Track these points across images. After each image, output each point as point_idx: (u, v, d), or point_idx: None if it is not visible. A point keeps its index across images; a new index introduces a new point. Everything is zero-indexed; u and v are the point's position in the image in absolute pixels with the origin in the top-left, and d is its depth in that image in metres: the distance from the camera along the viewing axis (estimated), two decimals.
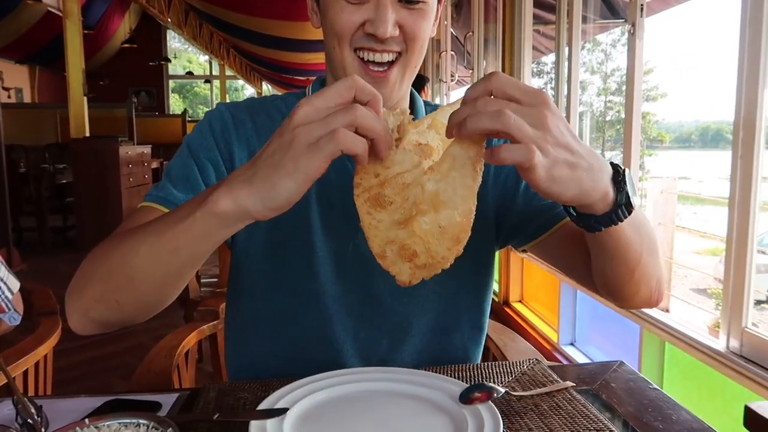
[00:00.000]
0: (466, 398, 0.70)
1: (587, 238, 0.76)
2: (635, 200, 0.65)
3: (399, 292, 0.90)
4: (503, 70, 3.79)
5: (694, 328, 2.05)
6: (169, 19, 9.71)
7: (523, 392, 0.76)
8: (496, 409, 0.67)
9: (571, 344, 3.14)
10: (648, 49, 2.41)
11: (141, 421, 0.60)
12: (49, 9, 6.36)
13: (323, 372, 0.81)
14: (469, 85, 0.60)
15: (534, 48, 4.01)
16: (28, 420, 0.62)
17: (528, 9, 3.56)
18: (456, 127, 0.58)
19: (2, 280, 1.16)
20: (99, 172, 6.09)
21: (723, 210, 1.92)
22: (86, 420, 0.60)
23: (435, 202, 0.59)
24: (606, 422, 0.69)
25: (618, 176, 0.64)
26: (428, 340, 0.94)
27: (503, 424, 0.65)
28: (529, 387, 0.79)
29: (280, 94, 0.99)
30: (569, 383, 0.79)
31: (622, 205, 0.65)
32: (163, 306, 0.75)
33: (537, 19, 3.70)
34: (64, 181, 6.62)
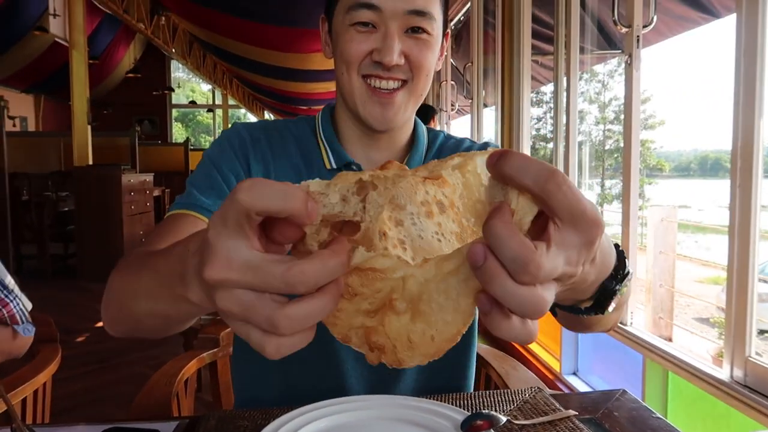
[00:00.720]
0: (467, 426, 0.69)
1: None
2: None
3: None
4: (502, 99, 3.84)
5: (697, 357, 2.04)
6: (174, 50, 9.87)
7: (525, 421, 0.76)
8: None
9: (574, 374, 3.11)
10: (646, 77, 2.45)
11: None
12: (56, 39, 6.47)
13: (327, 390, 0.82)
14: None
15: (533, 78, 4.06)
16: None
17: (526, 40, 3.62)
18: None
19: (16, 294, 1.17)
20: (101, 199, 6.11)
21: (724, 238, 1.92)
22: None
23: (415, 304, 0.41)
24: None
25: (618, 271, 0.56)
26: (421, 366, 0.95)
27: None
28: (531, 416, 0.78)
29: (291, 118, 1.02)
30: (572, 412, 0.79)
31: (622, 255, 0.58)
32: (175, 332, 0.72)
33: (535, 50, 3.75)
34: (66, 209, 6.64)
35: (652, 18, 2.29)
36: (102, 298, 0.77)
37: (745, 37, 1.74)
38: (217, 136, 0.98)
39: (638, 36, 2.35)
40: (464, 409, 0.78)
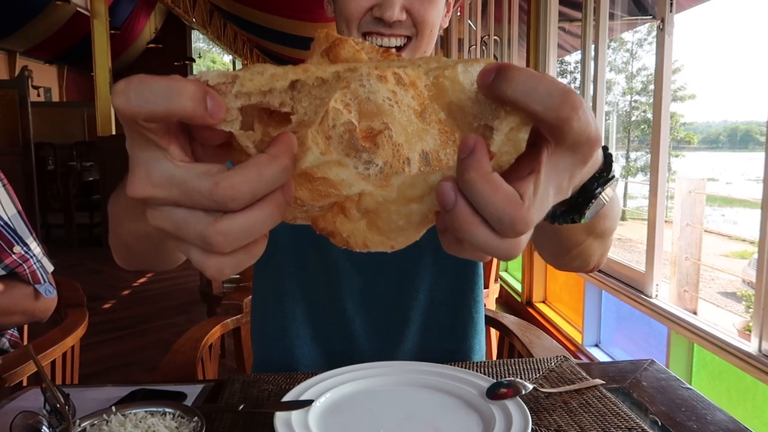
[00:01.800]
0: (492, 394, 0.69)
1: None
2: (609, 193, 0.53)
3: (401, 275, 0.94)
4: (527, 67, 3.76)
5: (723, 330, 2.00)
6: (194, 20, 9.82)
7: (552, 389, 0.74)
8: (525, 406, 0.66)
9: (596, 345, 3.10)
10: (677, 48, 2.36)
11: (167, 409, 0.60)
12: (78, 9, 6.47)
13: (337, 350, 0.82)
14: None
15: (559, 46, 3.96)
16: (56, 407, 0.62)
17: (553, 6, 3.51)
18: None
19: (37, 254, 1.18)
20: (125, 169, 6.03)
21: (752, 212, 1.87)
22: (113, 408, 0.60)
23: (369, 218, 0.36)
24: (637, 420, 0.67)
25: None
26: (433, 315, 0.96)
27: (532, 421, 0.64)
28: (558, 384, 0.77)
29: None
30: (599, 381, 0.77)
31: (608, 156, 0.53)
32: (168, 265, 0.71)
33: (562, 17, 3.65)
34: (91, 179, 6.72)
35: None
36: None
37: None
38: None
39: (671, 0, 2.26)
40: (489, 376, 0.77)
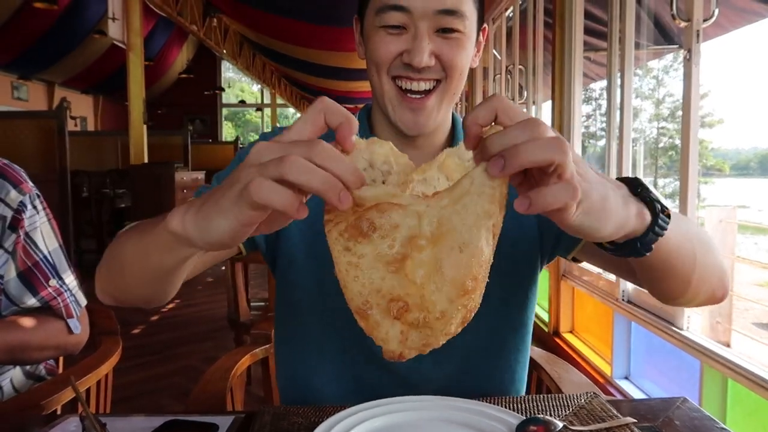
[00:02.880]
0: (522, 431, 0.69)
1: (632, 263, 0.72)
2: (666, 202, 0.60)
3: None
4: (553, 95, 3.77)
5: (758, 363, 1.95)
6: (224, 51, 10.10)
7: (582, 427, 0.74)
8: None
9: (626, 378, 3.03)
10: (703, 73, 2.35)
11: None
12: (114, 42, 6.72)
13: (366, 386, 0.83)
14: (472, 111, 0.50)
15: (584, 75, 3.97)
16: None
17: (578, 36, 3.53)
18: (495, 164, 0.46)
19: (71, 288, 1.21)
20: (156, 196, 6.32)
21: None
22: None
23: (435, 234, 0.45)
24: None
25: (636, 188, 0.60)
26: (471, 359, 0.94)
27: None
28: (588, 422, 0.76)
29: None
30: (630, 419, 0.76)
31: (660, 213, 0.59)
32: (162, 300, 0.78)
33: (587, 46, 3.67)
34: (123, 205, 6.88)
35: (714, 12, 2.20)
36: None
37: None
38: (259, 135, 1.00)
39: (698, 30, 2.26)
40: (518, 413, 0.77)
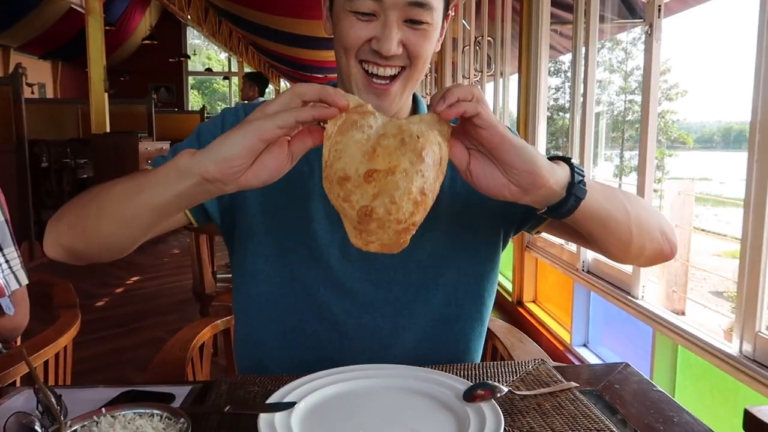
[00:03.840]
0: (469, 396, 0.72)
1: (576, 226, 0.81)
2: (585, 172, 0.74)
3: (401, 280, 0.94)
4: (519, 68, 3.79)
5: (709, 331, 2.04)
6: (189, 17, 9.81)
7: (527, 392, 0.78)
8: (499, 408, 0.69)
9: (584, 345, 3.14)
10: (670, 47, 2.39)
11: (155, 411, 0.63)
12: (72, 6, 6.47)
13: (326, 355, 0.87)
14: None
15: (552, 47, 3.99)
16: (49, 408, 0.65)
17: (545, 8, 3.54)
18: (440, 101, 0.66)
19: (9, 264, 1.18)
20: (119, 167, 6.18)
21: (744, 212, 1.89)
22: (103, 409, 0.62)
23: (397, 133, 0.64)
24: (607, 423, 0.70)
25: (553, 158, 0.73)
26: (429, 328, 0.97)
27: (505, 422, 0.67)
28: (533, 387, 0.80)
29: None
30: (573, 384, 0.80)
31: (579, 174, 0.73)
32: (122, 250, 0.82)
33: (555, 19, 3.68)
34: (85, 176, 6.73)
35: None
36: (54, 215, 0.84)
37: None
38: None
39: (660, 5, 2.29)
40: (468, 379, 0.80)
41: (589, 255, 2.94)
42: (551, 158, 0.73)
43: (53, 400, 0.65)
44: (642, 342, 2.61)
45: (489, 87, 4.89)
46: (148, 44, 12.77)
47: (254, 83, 5.21)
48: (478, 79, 5.14)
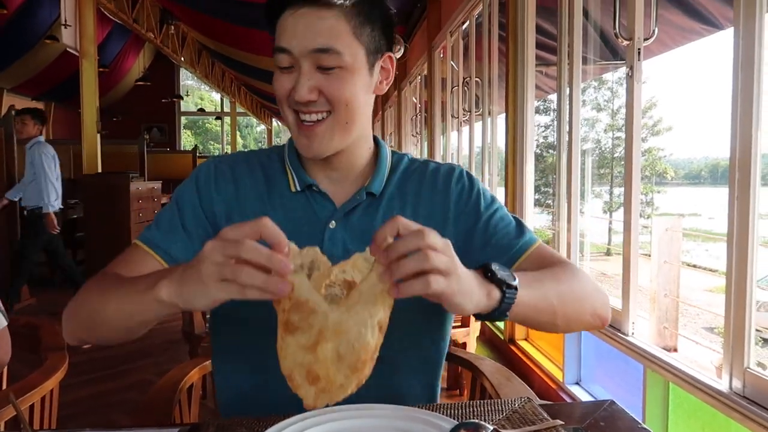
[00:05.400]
0: None
1: None
2: (513, 281, 0.78)
3: None
4: (506, 108, 3.87)
5: (700, 367, 2.04)
6: (182, 59, 9.97)
7: (512, 430, 0.78)
8: None
9: (577, 383, 3.12)
10: (657, 83, 2.47)
11: None
12: (67, 48, 6.56)
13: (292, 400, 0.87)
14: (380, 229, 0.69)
15: (539, 87, 4.09)
16: None
17: (530, 51, 3.65)
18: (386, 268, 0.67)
19: None
20: (109, 207, 6.18)
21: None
22: None
23: (336, 331, 0.65)
24: None
25: (487, 273, 0.77)
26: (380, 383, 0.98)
27: None
28: (519, 425, 0.81)
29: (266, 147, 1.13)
30: (558, 422, 0.81)
31: (506, 291, 0.77)
32: (132, 339, 0.89)
33: (541, 60, 3.78)
34: (75, 216, 6.71)
35: (653, 31, 2.32)
36: (67, 305, 0.93)
37: (743, 49, 1.76)
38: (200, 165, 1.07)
39: (639, 49, 2.37)
40: (454, 418, 0.80)
41: None
42: (492, 277, 0.77)
43: None
44: (634, 379, 2.60)
45: (477, 126, 4.98)
46: (141, 85, 12.91)
47: (37, 121, 5.08)
48: (466, 118, 5.24)
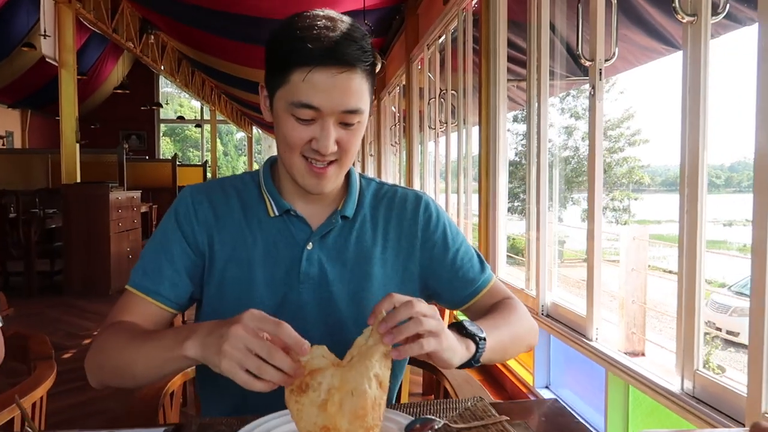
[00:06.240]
0: (410, 429, 0.82)
1: None
2: (482, 333, 0.94)
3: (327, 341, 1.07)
4: (480, 120, 3.99)
5: (666, 371, 2.13)
6: (162, 67, 9.98)
7: (462, 424, 0.88)
8: None
9: (546, 387, 3.24)
10: (635, 95, 2.59)
11: None
12: (46, 59, 6.57)
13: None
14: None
15: (513, 100, 4.23)
16: None
17: (502, 65, 3.78)
18: (387, 333, 0.80)
19: None
20: (89, 217, 6.19)
21: (709, 255, 2.01)
22: None
23: (340, 386, 0.76)
24: None
25: (462, 330, 0.93)
26: None
27: None
28: (469, 420, 0.91)
29: (239, 174, 1.20)
30: (504, 417, 0.91)
31: (479, 342, 0.93)
32: (147, 383, 1.02)
33: (514, 75, 3.92)
34: (54, 226, 6.69)
35: (614, 52, 2.45)
36: (88, 354, 1.04)
37: (690, 71, 1.90)
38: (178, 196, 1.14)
39: (600, 69, 2.51)
40: (413, 415, 0.90)
41: (548, 299, 3.07)
42: (466, 333, 0.93)
43: None
44: (599, 382, 2.73)
45: (453, 137, 5.11)
46: (120, 93, 12.88)
47: None
48: (443, 129, 5.37)
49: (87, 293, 6.18)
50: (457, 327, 0.93)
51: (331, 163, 1.00)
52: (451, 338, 0.86)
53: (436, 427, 0.83)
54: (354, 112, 0.96)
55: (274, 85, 0.99)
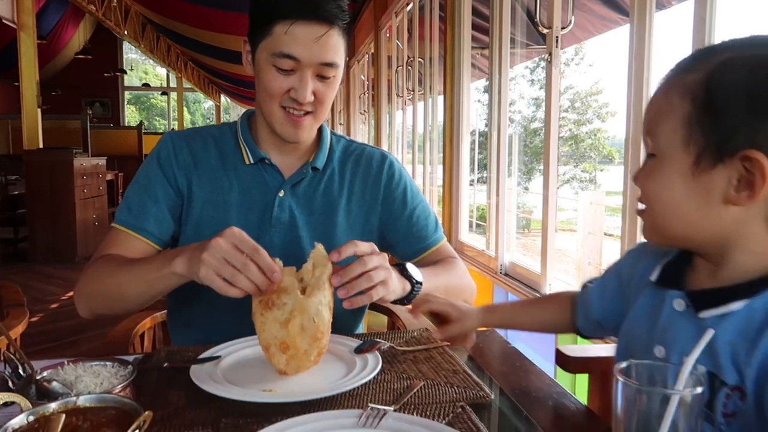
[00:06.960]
0: (359, 350, 0.92)
1: None
2: (420, 277, 1.05)
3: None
4: (444, 89, 4.07)
5: None
6: (126, 32, 9.74)
7: (407, 347, 0.99)
8: (380, 356, 0.90)
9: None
10: (602, 68, 2.69)
11: (107, 362, 0.80)
12: (3, 20, 6.36)
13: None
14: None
15: (479, 69, 4.31)
16: (17, 367, 0.80)
17: (466, 33, 3.84)
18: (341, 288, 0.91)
19: None
20: (52, 183, 6.11)
21: None
22: (65, 360, 0.79)
23: (301, 310, 0.84)
24: (462, 365, 0.92)
25: (404, 271, 1.04)
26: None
27: (384, 367, 0.88)
28: (413, 345, 1.01)
29: (220, 123, 1.29)
30: (445, 343, 1.02)
31: (415, 285, 1.05)
32: (139, 308, 1.11)
33: (476, 42, 3.98)
34: (17, 193, 6.59)
35: (570, 20, 2.54)
36: (78, 285, 1.11)
37: (636, 43, 2.01)
38: (154, 147, 1.22)
39: (557, 36, 2.60)
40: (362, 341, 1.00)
41: (506, 259, 3.21)
42: (405, 274, 1.04)
43: (24, 357, 0.81)
44: (551, 335, 2.89)
45: (420, 106, 5.17)
46: (82, 59, 12.51)
47: None
48: (410, 97, 5.43)
49: (53, 260, 6.14)
50: (399, 267, 1.04)
51: (307, 113, 1.10)
52: (394, 282, 0.96)
53: (383, 348, 0.93)
54: (331, 65, 1.05)
55: (257, 38, 1.08)
